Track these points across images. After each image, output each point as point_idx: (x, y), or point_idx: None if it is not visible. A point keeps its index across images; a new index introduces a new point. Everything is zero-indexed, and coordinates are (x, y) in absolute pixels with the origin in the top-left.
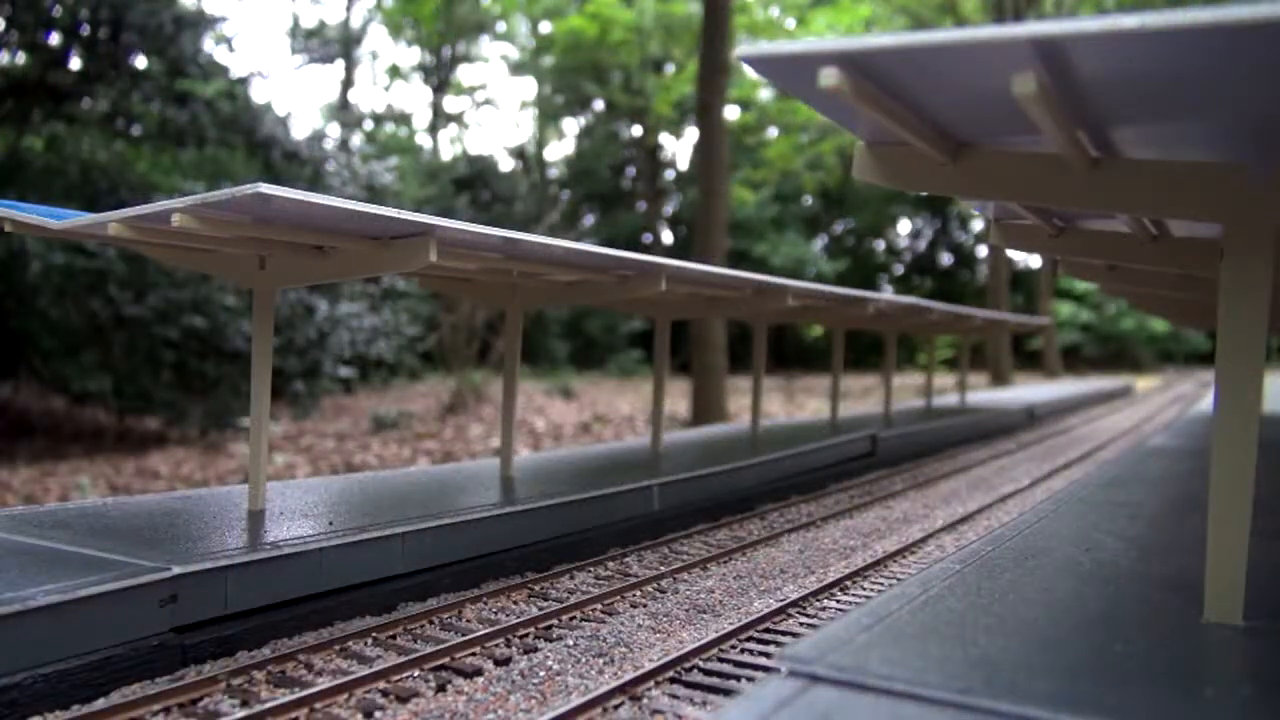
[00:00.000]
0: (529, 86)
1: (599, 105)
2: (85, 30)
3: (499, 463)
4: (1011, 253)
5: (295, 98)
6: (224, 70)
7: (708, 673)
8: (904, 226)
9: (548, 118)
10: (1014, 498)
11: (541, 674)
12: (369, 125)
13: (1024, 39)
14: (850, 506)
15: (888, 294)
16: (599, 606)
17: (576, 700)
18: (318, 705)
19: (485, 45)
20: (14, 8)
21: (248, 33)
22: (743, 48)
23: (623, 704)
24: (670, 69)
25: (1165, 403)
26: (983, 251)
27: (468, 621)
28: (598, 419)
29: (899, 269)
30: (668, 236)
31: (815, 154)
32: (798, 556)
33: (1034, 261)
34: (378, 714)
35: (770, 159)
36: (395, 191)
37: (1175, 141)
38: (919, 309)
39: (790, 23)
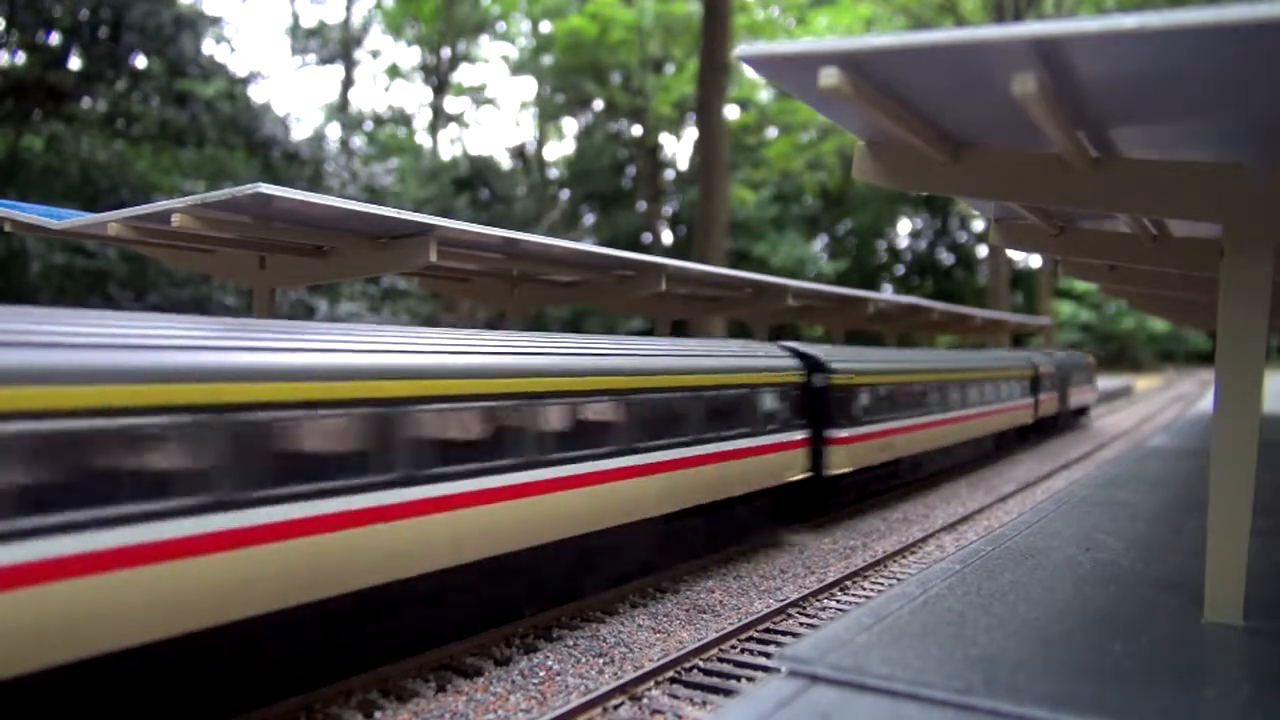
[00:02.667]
0: (529, 86)
1: (599, 105)
2: (85, 30)
3: None
4: (1011, 253)
5: (295, 98)
6: (224, 70)
7: (708, 673)
8: (904, 226)
9: (548, 118)
10: (1014, 498)
11: (541, 674)
12: (369, 126)
13: (1024, 39)
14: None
15: (888, 294)
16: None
17: (577, 700)
18: (316, 705)
19: (485, 45)
20: (14, 8)
21: (248, 33)
22: (742, 48)
23: (623, 703)
24: (670, 69)
25: (1165, 402)
26: (983, 251)
27: None
28: None
29: (899, 269)
30: (668, 236)
31: (815, 154)
32: (798, 557)
33: (1034, 261)
34: (378, 714)
35: (770, 159)
36: (395, 192)
37: (1175, 141)
38: (919, 309)
39: (790, 22)
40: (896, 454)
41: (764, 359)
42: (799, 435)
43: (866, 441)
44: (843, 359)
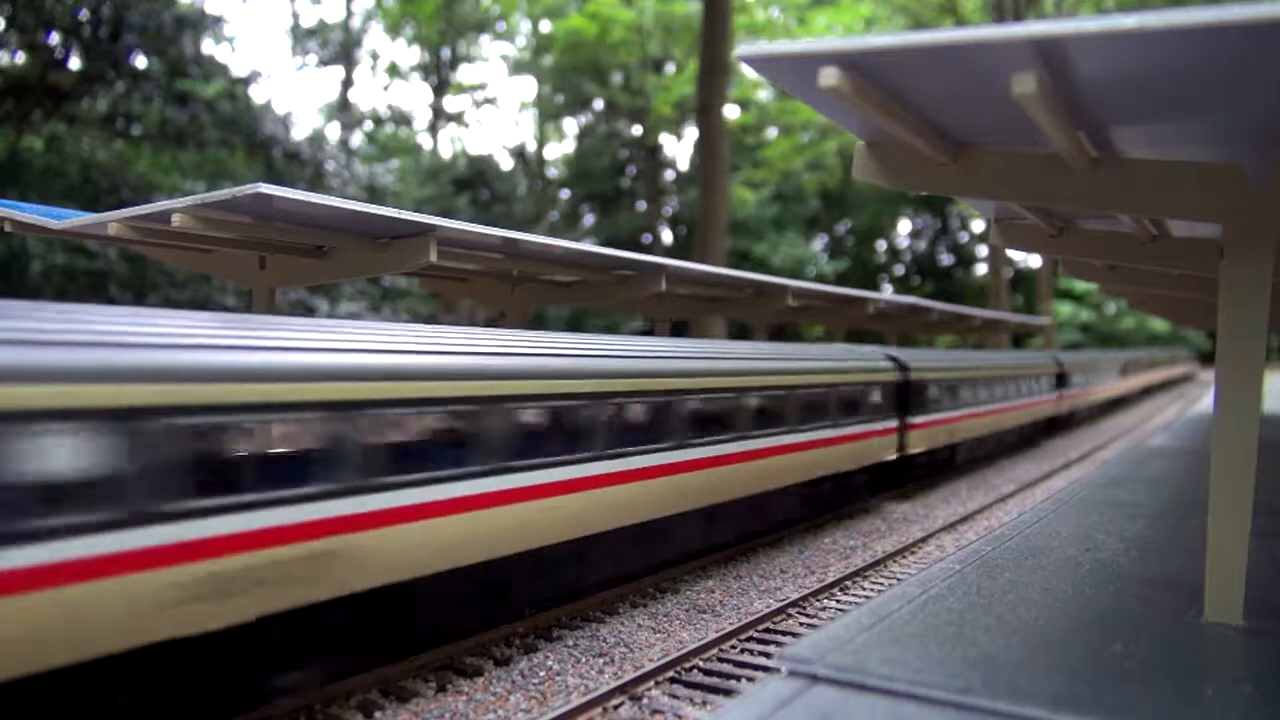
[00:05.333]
0: (529, 86)
1: (599, 105)
2: (85, 30)
3: None
4: (1011, 253)
5: (295, 98)
6: (224, 70)
7: (708, 673)
8: (904, 226)
9: (548, 117)
10: (1014, 498)
11: (541, 674)
12: (369, 125)
13: (1024, 39)
14: (850, 506)
15: (888, 294)
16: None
17: (577, 700)
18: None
19: (485, 45)
20: (14, 8)
21: (248, 33)
22: (743, 48)
23: (623, 703)
24: (670, 69)
25: (1165, 402)
26: (983, 251)
27: None
28: None
29: (899, 269)
30: (668, 236)
31: (815, 154)
32: (798, 556)
33: (1034, 261)
34: (378, 714)
35: (770, 159)
36: (395, 192)
37: (1175, 141)
38: (919, 309)
39: (791, 23)
40: (1088, 403)
41: (1045, 360)
42: (1056, 395)
43: (1078, 398)
44: (1069, 358)
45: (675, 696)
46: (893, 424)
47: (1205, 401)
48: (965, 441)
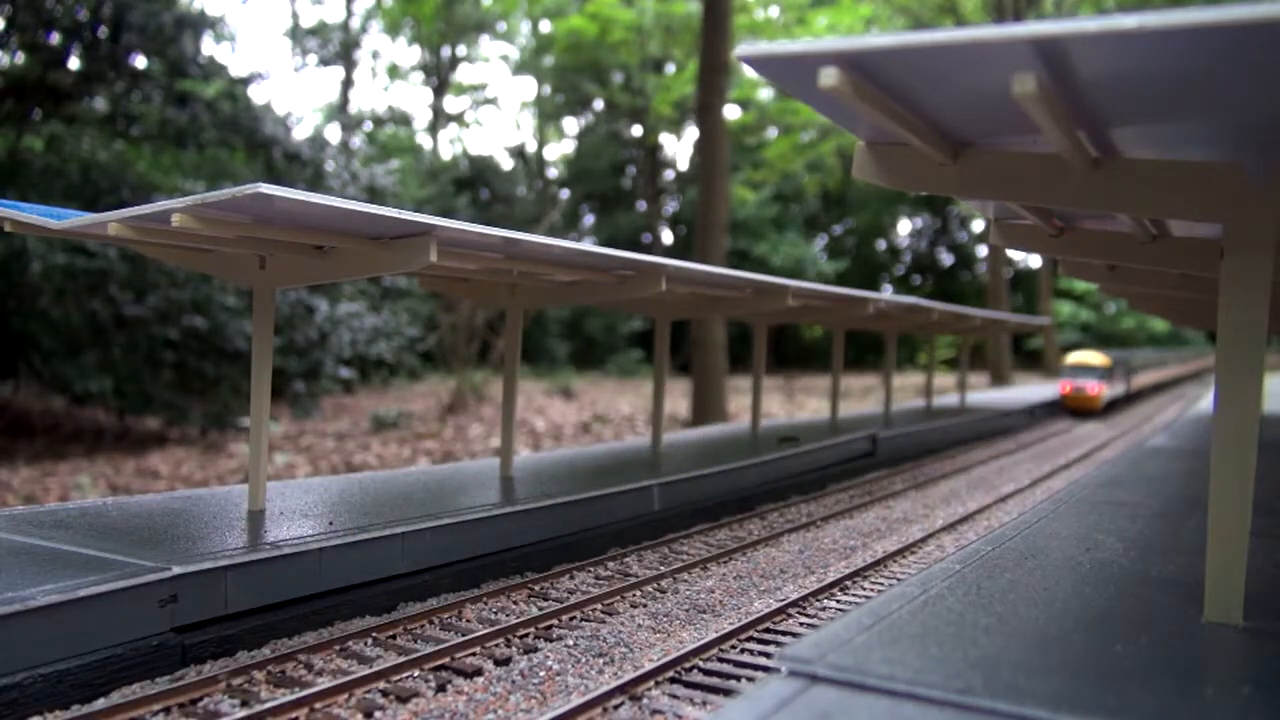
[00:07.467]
0: (529, 86)
1: (599, 105)
2: (85, 30)
3: (499, 463)
4: (1011, 253)
5: (295, 99)
6: (224, 70)
7: (708, 673)
8: (904, 226)
9: (548, 118)
10: (1014, 498)
11: (541, 674)
12: (369, 126)
13: (1024, 39)
14: (850, 506)
15: (888, 294)
16: (599, 606)
17: (577, 700)
18: (318, 705)
19: (485, 45)
20: (14, 8)
21: (248, 33)
22: (743, 48)
23: (623, 703)
24: (670, 69)
25: (1165, 402)
26: (983, 251)
27: (468, 621)
28: (598, 419)
29: (899, 269)
30: (668, 236)
31: (815, 154)
32: (798, 556)
33: (1034, 261)
34: (378, 714)
35: (770, 159)
36: (395, 193)
37: (1175, 141)
38: (919, 309)
39: (791, 22)
40: (1141, 386)
41: (1110, 359)
42: (1166, 371)
43: (1114, 386)
44: (1168, 354)
45: (675, 696)
46: (1127, 380)
47: (1205, 401)
48: (1143, 389)
